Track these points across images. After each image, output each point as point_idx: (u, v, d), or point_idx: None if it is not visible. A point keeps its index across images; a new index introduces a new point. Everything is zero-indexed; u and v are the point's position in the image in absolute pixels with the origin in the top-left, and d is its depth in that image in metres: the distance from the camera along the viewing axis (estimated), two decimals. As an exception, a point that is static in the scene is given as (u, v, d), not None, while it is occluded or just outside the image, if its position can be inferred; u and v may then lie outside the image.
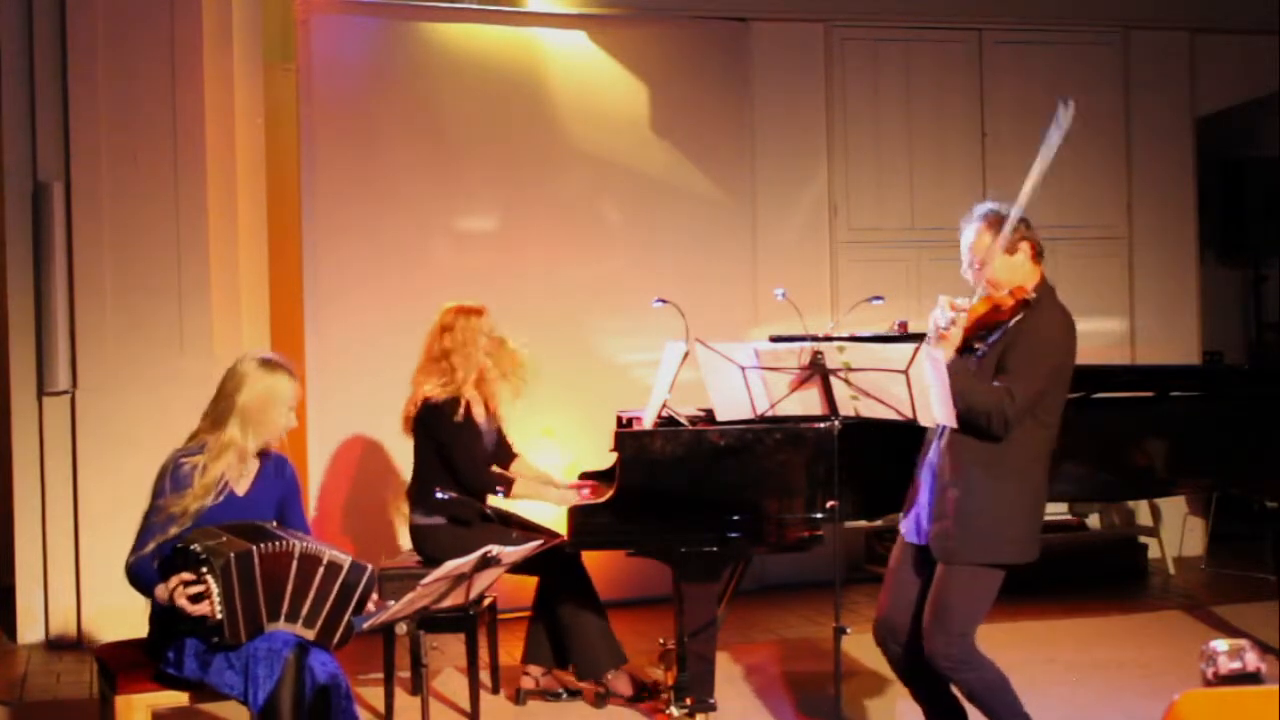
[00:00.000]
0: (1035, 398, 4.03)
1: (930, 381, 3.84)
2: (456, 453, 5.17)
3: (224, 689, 3.75)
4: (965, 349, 4.13)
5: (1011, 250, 4.12)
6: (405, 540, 5.43)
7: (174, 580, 3.70)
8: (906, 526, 4.28)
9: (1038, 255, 4.19)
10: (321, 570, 3.74)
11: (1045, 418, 4.11)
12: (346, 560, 3.78)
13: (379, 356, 6.61)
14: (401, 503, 5.46)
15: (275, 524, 3.96)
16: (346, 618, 3.80)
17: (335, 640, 3.80)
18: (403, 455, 5.45)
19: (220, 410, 3.96)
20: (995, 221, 4.13)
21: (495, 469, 5.34)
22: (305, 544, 3.77)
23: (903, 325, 5.44)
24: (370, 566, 3.83)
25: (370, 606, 3.85)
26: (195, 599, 3.67)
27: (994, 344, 4.10)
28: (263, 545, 3.70)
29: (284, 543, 3.73)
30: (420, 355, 5.32)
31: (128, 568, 3.89)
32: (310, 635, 3.76)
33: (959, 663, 4.13)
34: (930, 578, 4.19)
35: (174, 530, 3.83)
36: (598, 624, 5.19)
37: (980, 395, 3.98)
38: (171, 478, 3.90)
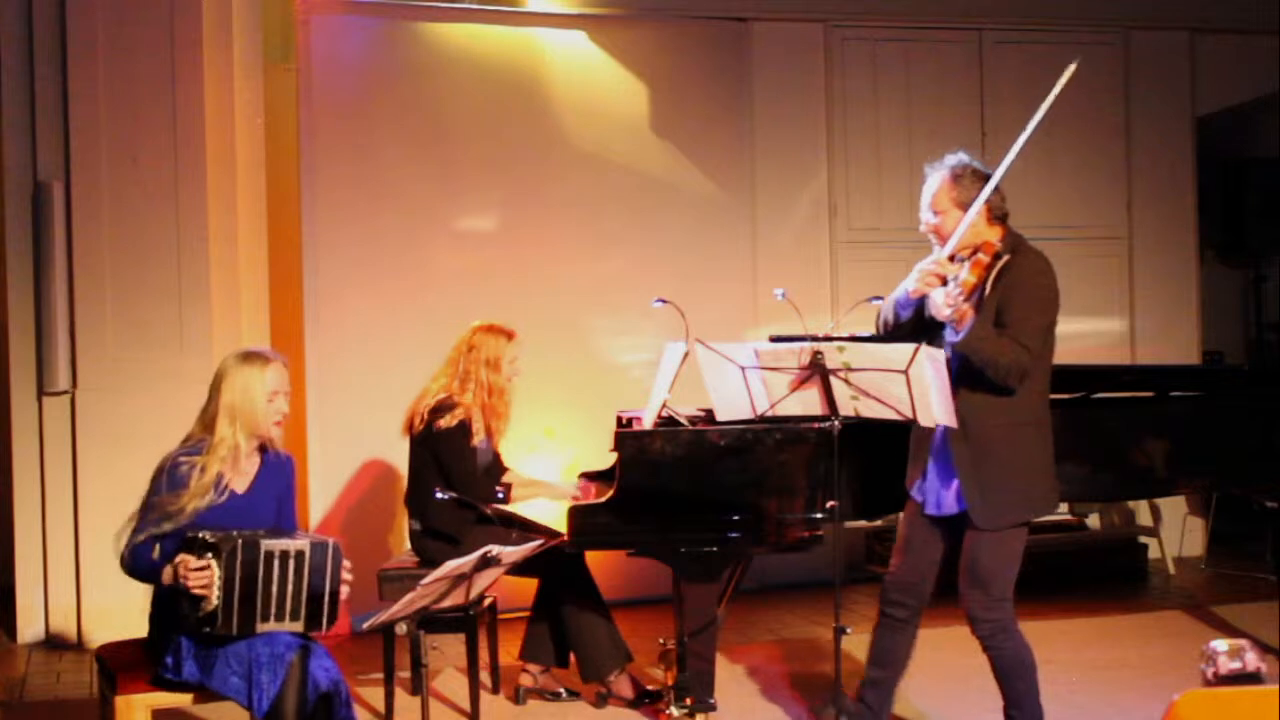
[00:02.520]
0: (1041, 344, 4.15)
1: (930, 381, 3.84)
2: (455, 469, 5.17)
3: (227, 693, 3.75)
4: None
5: (965, 207, 4.21)
6: (405, 541, 5.43)
7: (179, 558, 3.72)
8: (924, 499, 4.35)
9: (995, 216, 4.27)
10: (292, 562, 3.75)
11: (1044, 363, 4.23)
12: (306, 544, 3.78)
13: (379, 356, 6.62)
14: (402, 503, 5.46)
15: (273, 527, 3.97)
16: (325, 601, 3.79)
17: (322, 625, 3.80)
18: (403, 455, 5.44)
19: (210, 411, 3.98)
20: (959, 177, 4.26)
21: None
22: (280, 540, 3.78)
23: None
24: (330, 541, 3.82)
25: (346, 576, 3.84)
26: (198, 581, 3.68)
27: (983, 302, 4.16)
28: (265, 541, 3.72)
29: (274, 542, 3.75)
30: (443, 363, 5.30)
31: (122, 559, 3.90)
32: (299, 627, 3.76)
33: (999, 629, 4.23)
34: (951, 543, 4.29)
35: (168, 526, 3.83)
36: (602, 624, 5.18)
37: (1006, 353, 4.07)
38: (169, 477, 3.90)
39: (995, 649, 4.27)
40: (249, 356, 4.02)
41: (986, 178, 4.25)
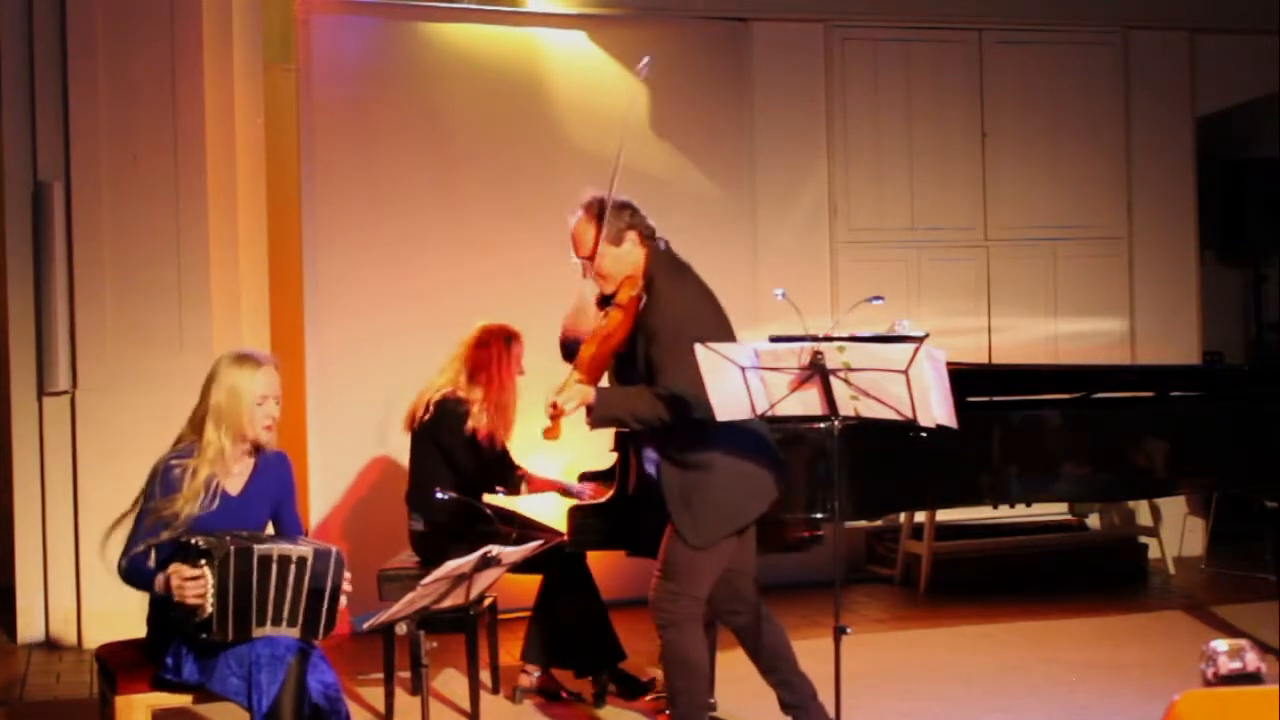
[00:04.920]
0: (682, 375, 4.08)
1: (930, 382, 3.84)
2: (459, 447, 5.17)
3: (227, 694, 3.75)
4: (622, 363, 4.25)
5: (617, 241, 4.27)
6: (405, 540, 5.43)
7: (172, 568, 3.71)
8: None
9: (645, 238, 4.32)
10: (293, 568, 3.73)
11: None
12: (310, 551, 3.75)
13: (379, 356, 6.61)
14: (402, 503, 5.46)
15: (269, 530, 3.96)
16: (324, 608, 3.77)
17: (319, 633, 3.78)
18: (403, 455, 5.45)
19: (199, 413, 3.95)
20: (602, 213, 4.28)
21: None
22: (281, 545, 3.76)
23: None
24: (334, 549, 3.79)
25: (346, 586, 3.82)
26: (191, 591, 3.67)
27: (635, 345, 4.21)
28: (259, 546, 3.70)
29: (271, 546, 3.73)
30: (448, 359, 5.31)
31: (120, 568, 3.90)
32: (295, 633, 3.75)
33: (670, 621, 4.24)
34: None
35: (166, 535, 3.83)
36: (598, 623, 5.18)
37: (641, 407, 4.11)
38: (162, 481, 3.89)
39: (664, 640, 4.29)
40: (241, 358, 3.98)
41: (625, 205, 4.32)
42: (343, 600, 3.82)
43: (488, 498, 5.34)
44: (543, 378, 5.77)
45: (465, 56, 6.95)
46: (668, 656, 4.30)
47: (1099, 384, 5.69)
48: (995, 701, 5.18)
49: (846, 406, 4.01)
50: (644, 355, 4.18)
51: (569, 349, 4.39)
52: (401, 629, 3.99)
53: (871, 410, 3.98)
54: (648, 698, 5.17)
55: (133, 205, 6.32)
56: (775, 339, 4.44)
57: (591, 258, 4.26)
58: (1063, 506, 7.61)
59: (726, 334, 4.26)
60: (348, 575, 3.82)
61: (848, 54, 7.62)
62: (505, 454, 5.34)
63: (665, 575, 4.26)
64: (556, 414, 4.17)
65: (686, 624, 4.25)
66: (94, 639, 5.89)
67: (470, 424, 5.17)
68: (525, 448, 6.00)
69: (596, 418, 4.20)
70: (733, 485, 4.21)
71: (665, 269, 4.31)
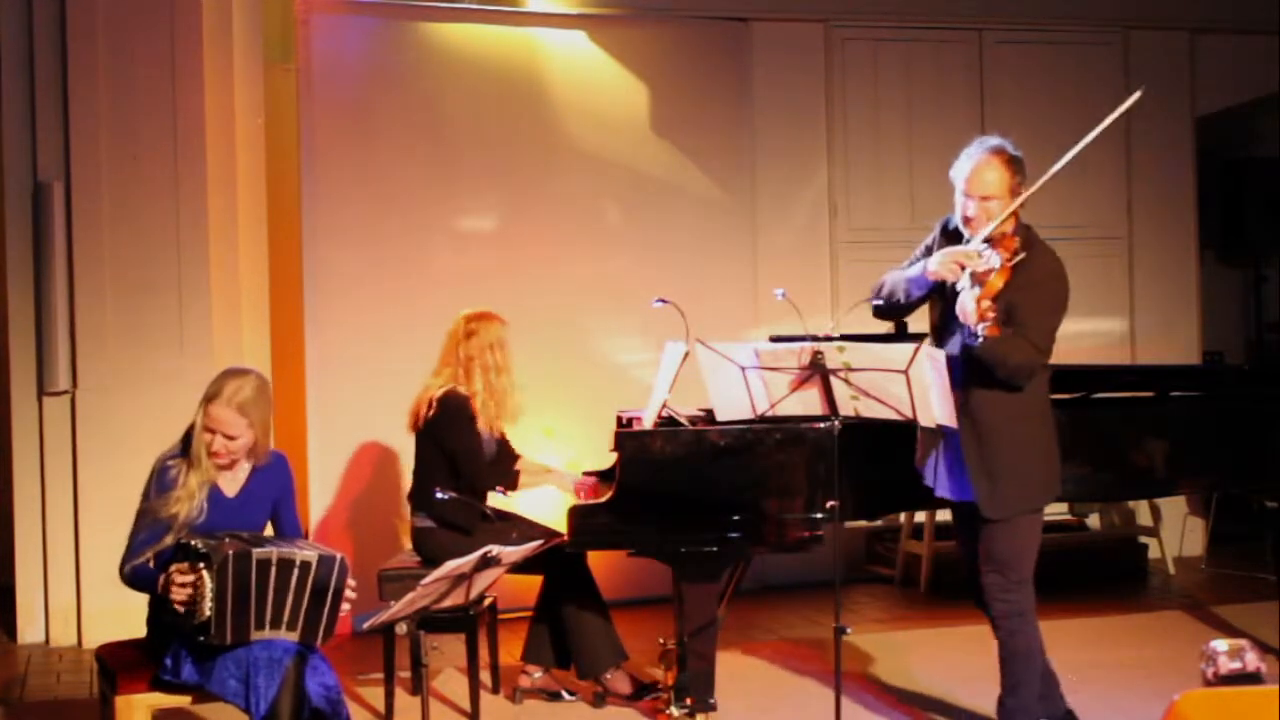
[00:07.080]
0: (1051, 342, 4.19)
1: (930, 381, 3.85)
2: (461, 449, 5.17)
3: (225, 696, 3.75)
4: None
5: (1017, 192, 4.29)
6: (406, 540, 5.44)
7: (172, 569, 3.71)
8: (935, 483, 4.39)
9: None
10: (295, 572, 3.73)
11: (1047, 357, 4.27)
12: (314, 556, 3.76)
13: (379, 356, 6.61)
14: (402, 503, 5.46)
15: (269, 532, 3.97)
16: (325, 613, 3.78)
17: (319, 638, 3.78)
18: (403, 455, 5.45)
19: (191, 429, 3.98)
20: (1014, 162, 4.29)
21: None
22: (282, 548, 3.76)
23: (902, 325, 5.43)
24: (339, 555, 3.80)
25: (349, 593, 3.83)
26: (188, 596, 3.67)
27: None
28: (257, 550, 3.70)
29: (271, 549, 3.73)
30: (438, 359, 5.32)
31: (123, 574, 3.90)
32: (294, 637, 3.75)
33: (1014, 612, 4.31)
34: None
35: (169, 539, 3.84)
36: (600, 623, 5.19)
37: (1016, 354, 4.12)
38: (157, 481, 3.91)
39: (1007, 631, 4.33)
40: (216, 379, 3.97)
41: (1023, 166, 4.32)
42: (345, 607, 3.82)
43: (489, 497, 5.34)
44: (544, 376, 5.82)
45: (465, 56, 6.95)
46: (1010, 648, 4.34)
47: (1099, 384, 5.68)
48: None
49: (846, 406, 4.01)
50: (1007, 302, 4.12)
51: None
52: (401, 629, 3.99)
53: (871, 410, 3.98)
54: (649, 699, 5.17)
55: (133, 205, 6.32)
56: (775, 339, 4.45)
57: (990, 199, 4.23)
58: (1063, 506, 7.61)
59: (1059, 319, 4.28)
60: (351, 583, 3.83)
61: (848, 54, 7.62)
62: (505, 445, 5.34)
63: (991, 568, 4.30)
64: (986, 311, 4.07)
65: (1028, 613, 4.31)
66: (94, 639, 5.90)
67: (463, 407, 5.16)
68: (527, 448, 6.01)
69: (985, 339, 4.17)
70: (1037, 462, 4.25)
71: (1038, 238, 4.33)
